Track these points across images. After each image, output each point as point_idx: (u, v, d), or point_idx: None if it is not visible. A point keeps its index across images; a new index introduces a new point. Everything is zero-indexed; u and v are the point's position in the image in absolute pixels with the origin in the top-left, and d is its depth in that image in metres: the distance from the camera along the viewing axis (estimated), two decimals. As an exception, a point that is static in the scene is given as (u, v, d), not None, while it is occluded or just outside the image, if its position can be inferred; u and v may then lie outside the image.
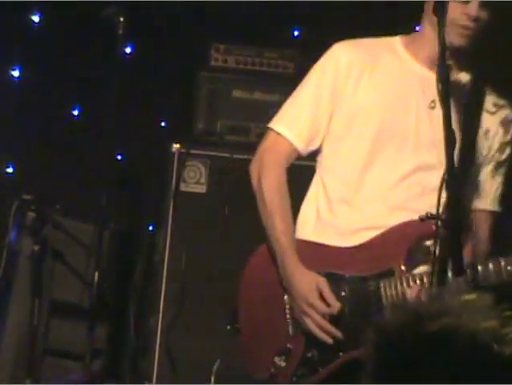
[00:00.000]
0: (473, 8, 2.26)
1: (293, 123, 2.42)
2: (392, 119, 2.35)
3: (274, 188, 2.40)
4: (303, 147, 2.39)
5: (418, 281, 2.22)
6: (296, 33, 4.16)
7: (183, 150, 3.57)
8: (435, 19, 2.05)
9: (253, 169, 2.44)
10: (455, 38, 2.24)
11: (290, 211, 2.42)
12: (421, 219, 1.99)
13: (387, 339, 1.12)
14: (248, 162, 2.45)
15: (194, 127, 3.71)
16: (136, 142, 4.14)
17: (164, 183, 3.60)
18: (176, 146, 3.61)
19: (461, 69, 2.37)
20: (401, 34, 2.43)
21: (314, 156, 2.42)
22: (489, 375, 1.06)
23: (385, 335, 1.12)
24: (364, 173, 2.33)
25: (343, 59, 2.39)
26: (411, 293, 2.22)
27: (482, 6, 2.27)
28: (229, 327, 2.71)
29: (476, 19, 2.25)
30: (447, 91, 1.96)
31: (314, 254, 2.37)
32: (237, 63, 3.81)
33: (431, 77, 2.20)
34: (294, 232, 2.40)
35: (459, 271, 1.84)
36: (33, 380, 3.37)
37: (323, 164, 2.42)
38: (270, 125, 2.45)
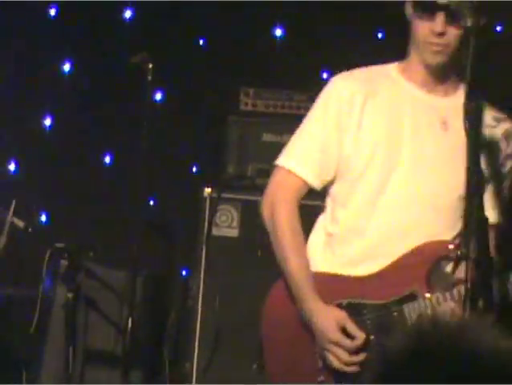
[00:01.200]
0: (438, 24, 2.26)
1: (302, 158, 2.41)
2: (398, 144, 2.34)
3: (288, 224, 2.38)
4: (314, 181, 2.38)
5: (444, 303, 2.22)
6: (325, 75, 4.18)
7: (214, 194, 3.58)
8: (415, 41, 2.27)
9: (265, 207, 2.43)
10: (428, 56, 2.29)
11: (305, 246, 2.41)
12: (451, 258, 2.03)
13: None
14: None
15: (225, 172, 3.72)
16: (168, 188, 4.16)
17: (196, 228, 3.60)
18: (207, 190, 3.62)
19: (451, 87, 2.38)
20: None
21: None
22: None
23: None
24: (376, 201, 2.32)
25: (344, 91, 2.39)
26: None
27: (449, 20, 2.28)
28: (255, 366, 2.70)
29: (441, 34, 2.26)
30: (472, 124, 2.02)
31: (330, 286, 2.36)
32: (267, 107, 3.83)
33: (433, 99, 2.34)
34: (309, 267, 2.36)
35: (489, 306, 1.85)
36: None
37: (334, 195, 2.41)
38: (278, 162, 2.43)
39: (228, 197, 3.63)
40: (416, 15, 2.29)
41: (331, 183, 2.39)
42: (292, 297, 2.35)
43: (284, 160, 2.40)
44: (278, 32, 4.30)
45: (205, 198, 3.65)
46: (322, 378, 2.32)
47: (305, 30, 4.28)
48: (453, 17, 2.27)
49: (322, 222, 2.42)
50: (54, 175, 4.15)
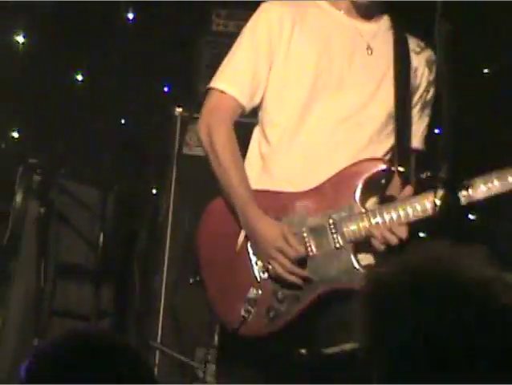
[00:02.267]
0: None
1: (234, 79, 2.48)
2: (327, 67, 2.44)
3: (226, 143, 2.47)
4: (247, 102, 2.45)
5: (379, 217, 2.33)
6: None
7: (185, 114, 3.68)
8: None
9: (202, 128, 2.50)
10: None
11: (243, 164, 2.50)
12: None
13: (382, 289, 1.21)
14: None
15: (197, 92, 3.80)
16: (140, 107, 4.23)
17: (167, 147, 3.70)
18: (178, 110, 3.71)
19: (376, 17, 2.50)
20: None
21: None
22: (477, 325, 1.14)
23: (381, 285, 1.21)
24: (304, 119, 2.42)
25: (273, 16, 2.48)
26: (374, 228, 2.33)
27: None
28: (192, 281, 2.85)
29: None
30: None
31: (267, 202, 2.45)
32: (239, 28, 3.92)
33: (358, 25, 2.44)
34: (249, 182, 2.46)
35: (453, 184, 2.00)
36: (40, 341, 3.48)
37: (264, 117, 2.50)
38: (211, 85, 2.50)
39: (199, 117, 3.73)
40: None
41: (261, 103, 2.47)
42: (232, 214, 2.45)
43: (217, 82, 2.47)
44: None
45: (176, 117, 3.75)
46: (258, 290, 2.42)
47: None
48: None
49: (255, 142, 2.52)
50: (26, 92, 4.19)
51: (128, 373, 1.48)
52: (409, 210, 2.38)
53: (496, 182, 2.38)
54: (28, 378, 1.43)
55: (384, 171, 2.41)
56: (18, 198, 3.49)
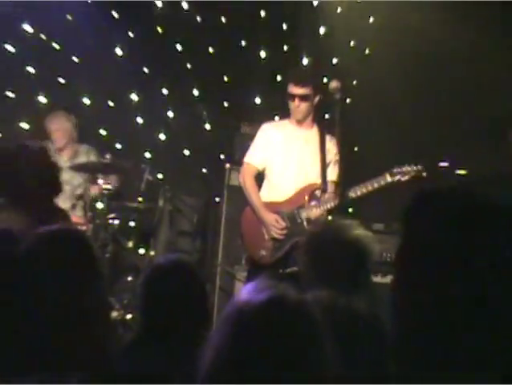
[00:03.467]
0: (296, 102, 5.62)
1: (255, 157, 5.74)
2: (288, 154, 5.64)
3: (252, 185, 5.72)
4: (259, 168, 5.71)
5: (316, 209, 5.50)
6: None
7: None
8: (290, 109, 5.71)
9: (241, 178, 5.83)
10: (295, 116, 5.72)
11: (258, 191, 5.72)
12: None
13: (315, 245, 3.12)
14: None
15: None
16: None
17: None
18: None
19: (310, 124, 5.72)
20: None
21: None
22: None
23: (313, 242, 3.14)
24: (282, 177, 5.67)
25: (269, 131, 5.73)
26: (313, 213, 5.47)
27: (301, 99, 5.61)
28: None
29: (292, 96, 5.60)
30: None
31: (268, 206, 5.62)
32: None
33: (302, 130, 5.70)
34: (261, 200, 5.66)
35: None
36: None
37: (266, 174, 5.75)
38: (245, 160, 5.81)
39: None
40: (288, 98, 5.58)
41: (264, 170, 5.74)
42: (254, 212, 5.61)
43: (247, 158, 5.79)
44: None
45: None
46: (267, 243, 5.51)
47: None
48: (301, 98, 5.53)
49: (264, 184, 5.79)
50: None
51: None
52: (328, 205, 5.44)
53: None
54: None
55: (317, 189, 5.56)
56: (160, 202, 7.51)
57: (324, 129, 5.72)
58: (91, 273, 2.48)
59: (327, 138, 5.67)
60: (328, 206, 5.51)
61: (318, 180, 5.64)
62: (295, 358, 1.80)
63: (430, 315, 1.56)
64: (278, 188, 5.75)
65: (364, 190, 5.45)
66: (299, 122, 5.70)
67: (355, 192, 5.43)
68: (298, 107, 5.58)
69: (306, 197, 5.62)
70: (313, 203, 5.59)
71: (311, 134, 5.72)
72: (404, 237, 1.69)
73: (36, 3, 6.93)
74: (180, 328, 2.98)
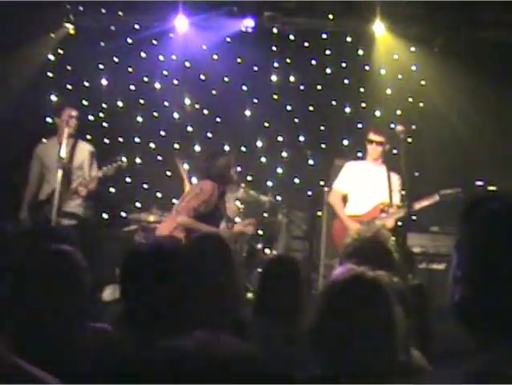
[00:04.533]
0: (374, 146, 7.89)
1: (341, 184, 8.07)
2: (366, 184, 8.02)
3: (339, 203, 8.01)
4: (343, 192, 7.98)
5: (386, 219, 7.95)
6: None
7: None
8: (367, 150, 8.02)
9: (329, 199, 8.22)
10: (371, 155, 7.89)
11: (343, 208, 7.92)
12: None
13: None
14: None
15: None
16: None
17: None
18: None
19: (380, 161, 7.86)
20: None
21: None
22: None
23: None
24: (360, 198, 8.02)
25: (351, 168, 8.06)
26: (384, 221, 7.72)
27: (378, 144, 7.75)
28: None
29: (371, 141, 7.85)
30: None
31: (352, 218, 7.72)
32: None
33: (375, 165, 7.85)
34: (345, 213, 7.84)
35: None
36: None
37: (349, 195, 8.07)
38: (333, 186, 8.14)
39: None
40: (368, 142, 7.83)
41: (347, 194, 8.00)
42: (342, 221, 7.71)
43: (334, 185, 8.12)
44: None
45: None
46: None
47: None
48: (378, 143, 7.69)
49: (348, 203, 8.01)
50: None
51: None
52: (395, 215, 7.75)
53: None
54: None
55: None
56: (279, 216, 10.31)
57: (390, 167, 7.77)
58: (234, 264, 3.38)
59: (392, 174, 7.76)
60: (395, 216, 7.53)
61: (386, 200, 7.68)
62: (373, 319, 2.18)
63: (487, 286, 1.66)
64: (358, 206, 7.94)
65: (421, 205, 7.46)
66: (374, 160, 7.80)
67: (416, 206, 7.45)
68: (375, 150, 7.70)
69: (379, 212, 7.77)
70: (383, 215, 7.73)
71: (382, 169, 7.82)
72: (461, 234, 1.80)
73: (193, 83, 10.15)
74: (290, 307, 3.70)
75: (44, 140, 8.18)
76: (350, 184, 8.00)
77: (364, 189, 7.85)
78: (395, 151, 7.89)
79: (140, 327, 2.57)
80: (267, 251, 9.28)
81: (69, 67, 10.18)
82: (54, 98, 9.96)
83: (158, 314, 2.44)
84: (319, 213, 9.37)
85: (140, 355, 2.27)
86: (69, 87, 10.19)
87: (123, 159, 7.83)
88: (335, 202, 8.03)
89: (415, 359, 2.85)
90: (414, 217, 8.22)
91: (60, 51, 9.88)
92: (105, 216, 9.97)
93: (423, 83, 9.96)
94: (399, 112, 10.05)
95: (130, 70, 10.33)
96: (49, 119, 9.04)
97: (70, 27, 9.56)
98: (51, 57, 9.82)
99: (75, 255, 2.79)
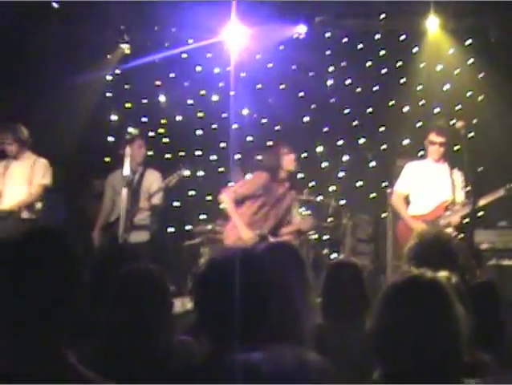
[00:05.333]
0: (436, 146, 7.87)
1: (402, 186, 8.03)
2: (428, 183, 8.08)
3: (402, 204, 8.01)
4: (404, 193, 7.99)
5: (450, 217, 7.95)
6: None
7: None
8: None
9: (392, 201, 8.23)
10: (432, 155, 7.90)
11: (406, 209, 7.89)
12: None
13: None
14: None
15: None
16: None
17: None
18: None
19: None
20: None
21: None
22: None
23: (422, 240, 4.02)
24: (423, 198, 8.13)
25: (412, 167, 8.17)
26: (448, 220, 7.87)
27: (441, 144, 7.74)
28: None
29: (433, 142, 7.80)
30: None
31: (415, 218, 7.76)
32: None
33: (437, 164, 7.93)
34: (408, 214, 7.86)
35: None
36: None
37: (411, 195, 8.06)
38: (394, 188, 8.15)
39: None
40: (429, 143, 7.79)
41: (409, 194, 8.00)
42: (406, 222, 7.75)
43: (395, 187, 8.09)
44: None
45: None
46: None
47: None
48: (440, 144, 7.69)
49: (411, 203, 7.99)
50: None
51: None
52: (459, 213, 7.88)
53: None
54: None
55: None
56: (344, 220, 10.37)
57: (452, 163, 7.75)
58: (307, 274, 3.20)
59: (455, 170, 7.76)
60: (460, 214, 7.57)
61: (450, 198, 7.73)
62: (432, 320, 2.22)
63: None
64: (422, 205, 7.96)
65: (487, 200, 7.38)
66: (435, 160, 7.86)
67: (482, 201, 7.36)
68: (438, 151, 7.73)
69: (443, 210, 7.79)
70: (447, 213, 7.79)
71: (443, 167, 7.86)
72: None
73: (249, 93, 10.29)
74: (354, 310, 3.81)
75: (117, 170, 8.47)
76: (411, 185, 8.04)
77: (426, 189, 7.88)
78: (456, 147, 7.93)
79: (215, 339, 2.58)
80: (333, 255, 9.40)
81: (127, 86, 10.43)
82: (114, 117, 10.15)
83: (233, 326, 2.42)
84: (384, 215, 9.43)
85: (214, 368, 2.33)
86: (128, 105, 10.43)
87: (184, 170, 8.07)
88: (397, 204, 8.09)
89: (481, 360, 2.84)
90: (480, 213, 8.15)
91: (117, 71, 10.17)
92: (171, 229, 10.15)
93: (481, 75, 9.83)
94: (458, 108, 9.98)
95: (186, 84, 10.52)
96: (111, 138, 9.23)
97: (125, 47, 9.71)
98: (109, 77, 9.94)
99: (161, 274, 3.00)
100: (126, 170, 7.70)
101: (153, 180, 8.44)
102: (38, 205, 8.16)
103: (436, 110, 10.16)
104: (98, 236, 8.42)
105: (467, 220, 7.50)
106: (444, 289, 2.32)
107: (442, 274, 2.57)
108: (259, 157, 7.97)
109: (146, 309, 2.96)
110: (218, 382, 1.74)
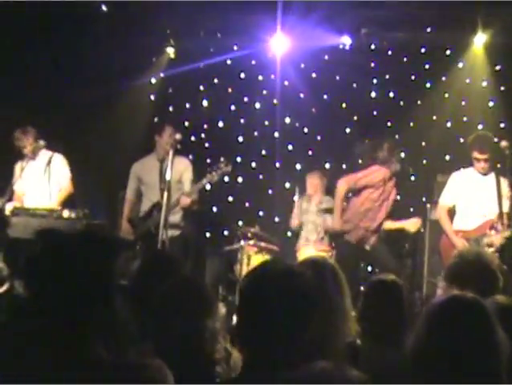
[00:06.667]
0: (481, 162, 7.56)
1: (446, 200, 7.79)
2: (474, 196, 7.66)
3: (446, 218, 7.76)
4: (450, 206, 7.76)
5: (495, 237, 7.46)
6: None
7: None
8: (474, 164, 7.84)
9: (437, 214, 7.96)
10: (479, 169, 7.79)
11: (450, 224, 7.60)
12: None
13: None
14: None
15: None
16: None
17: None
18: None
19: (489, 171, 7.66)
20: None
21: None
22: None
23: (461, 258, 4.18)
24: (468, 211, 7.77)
25: (456, 177, 7.96)
26: (492, 240, 7.52)
27: (485, 160, 7.56)
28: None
29: (477, 160, 7.56)
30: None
31: (458, 233, 7.48)
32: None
33: (484, 176, 7.72)
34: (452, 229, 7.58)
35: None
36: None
37: (457, 208, 7.74)
38: (439, 202, 7.84)
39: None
40: (474, 160, 7.55)
41: (454, 206, 7.76)
42: (449, 237, 7.51)
43: (440, 200, 7.85)
44: None
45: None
46: None
47: None
48: (484, 161, 7.48)
49: (456, 216, 7.78)
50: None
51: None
52: (505, 233, 7.69)
53: None
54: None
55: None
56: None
57: (498, 173, 7.52)
58: (346, 290, 3.32)
59: (501, 180, 7.51)
60: (504, 235, 7.33)
61: (496, 212, 7.46)
62: (472, 342, 2.23)
63: None
64: (467, 220, 7.71)
65: None
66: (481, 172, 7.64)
67: None
68: (482, 167, 7.60)
69: (488, 228, 7.52)
70: (492, 232, 7.45)
71: (490, 178, 7.64)
72: None
73: (292, 102, 10.32)
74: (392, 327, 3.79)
75: (141, 159, 8.46)
76: (457, 196, 7.91)
77: (472, 201, 7.76)
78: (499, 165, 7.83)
79: (253, 352, 2.56)
80: (369, 268, 9.52)
81: (170, 90, 10.43)
82: (156, 120, 10.26)
83: (276, 343, 2.41)
84: (422, 230, 9.18)
85: (254, 381, 2.34)
86: (170, 109, 10.46)
87: (227, 167, 7.85)
88: (441, 218, 7.95)
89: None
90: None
91: (161, 74, 10.34)
92: (208, 234, 10.18)
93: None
94: (502, 125, 9.87)
95: (230, 90, 10.53)
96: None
97: (171, 51, 9.78)
98: (153, 80, 10.06)
99: (205, 285, 3.16)
100: (168, 174, 7.46)
101: (183, 170, 8.19)
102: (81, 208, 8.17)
103: (480, 126, 9.96)
104: (126, 227, 8.27)
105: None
106: (485, 311, 2.33)
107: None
108: (374, 153, 8.20)
109: (195, 320, 3.03)
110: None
